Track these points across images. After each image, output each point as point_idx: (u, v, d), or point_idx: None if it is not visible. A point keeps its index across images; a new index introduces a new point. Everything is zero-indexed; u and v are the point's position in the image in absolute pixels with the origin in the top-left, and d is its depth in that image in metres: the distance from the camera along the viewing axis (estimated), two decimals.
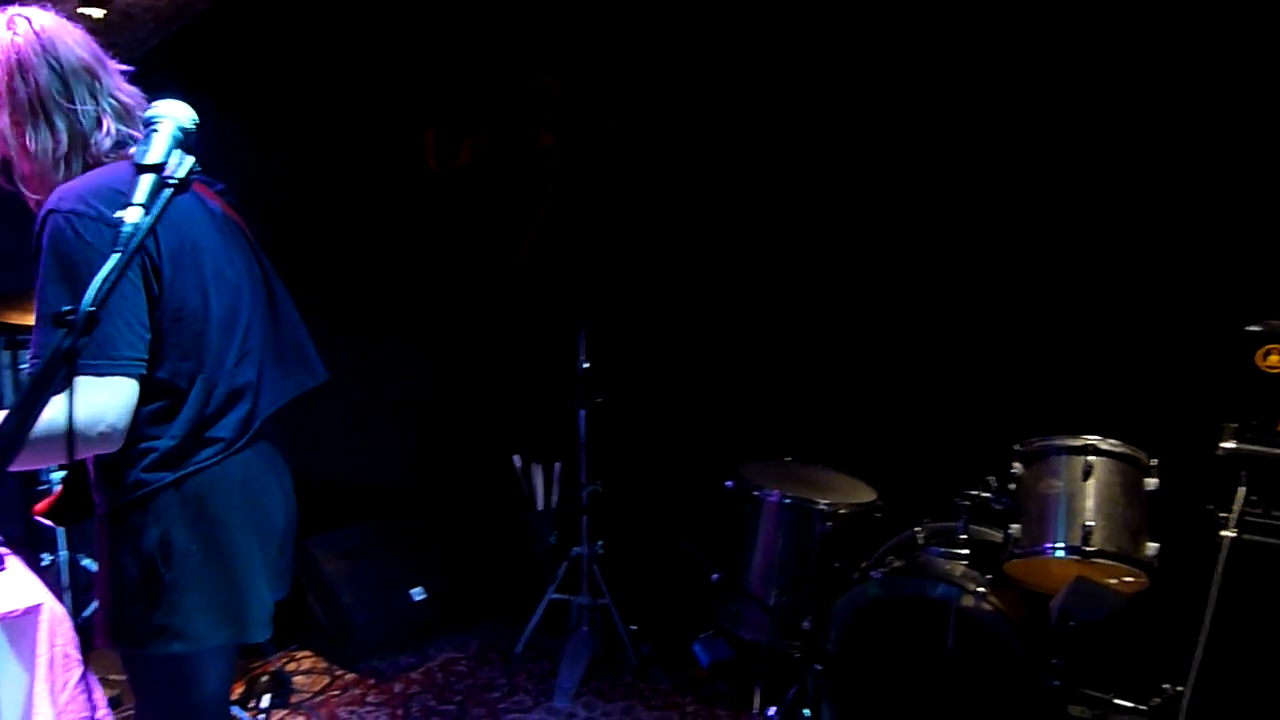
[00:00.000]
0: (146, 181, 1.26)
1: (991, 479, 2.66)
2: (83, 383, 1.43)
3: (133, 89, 1.69)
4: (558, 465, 4.29)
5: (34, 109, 1.56)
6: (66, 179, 1.57)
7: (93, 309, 1.12)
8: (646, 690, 3.52)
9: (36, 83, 1.55)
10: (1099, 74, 2.89)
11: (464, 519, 4.47)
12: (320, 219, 5.05)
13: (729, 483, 3.18)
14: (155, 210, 1.23)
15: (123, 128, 1.63)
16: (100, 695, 2.39)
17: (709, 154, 3.84)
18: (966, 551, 2.65)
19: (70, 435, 1.38)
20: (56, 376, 1.09)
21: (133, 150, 1.61)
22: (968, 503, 2.67)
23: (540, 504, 4.31)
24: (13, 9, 1.62)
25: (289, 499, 1.85)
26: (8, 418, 1.07)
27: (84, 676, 2.35)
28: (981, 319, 3.18)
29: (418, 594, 4.02)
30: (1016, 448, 2.59)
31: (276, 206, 4.94)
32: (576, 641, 3.75)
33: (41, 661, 2.25)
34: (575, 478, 3.88)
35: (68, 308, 1.12)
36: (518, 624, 3.90)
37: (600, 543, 3.83)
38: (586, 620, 3.82)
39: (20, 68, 1.55)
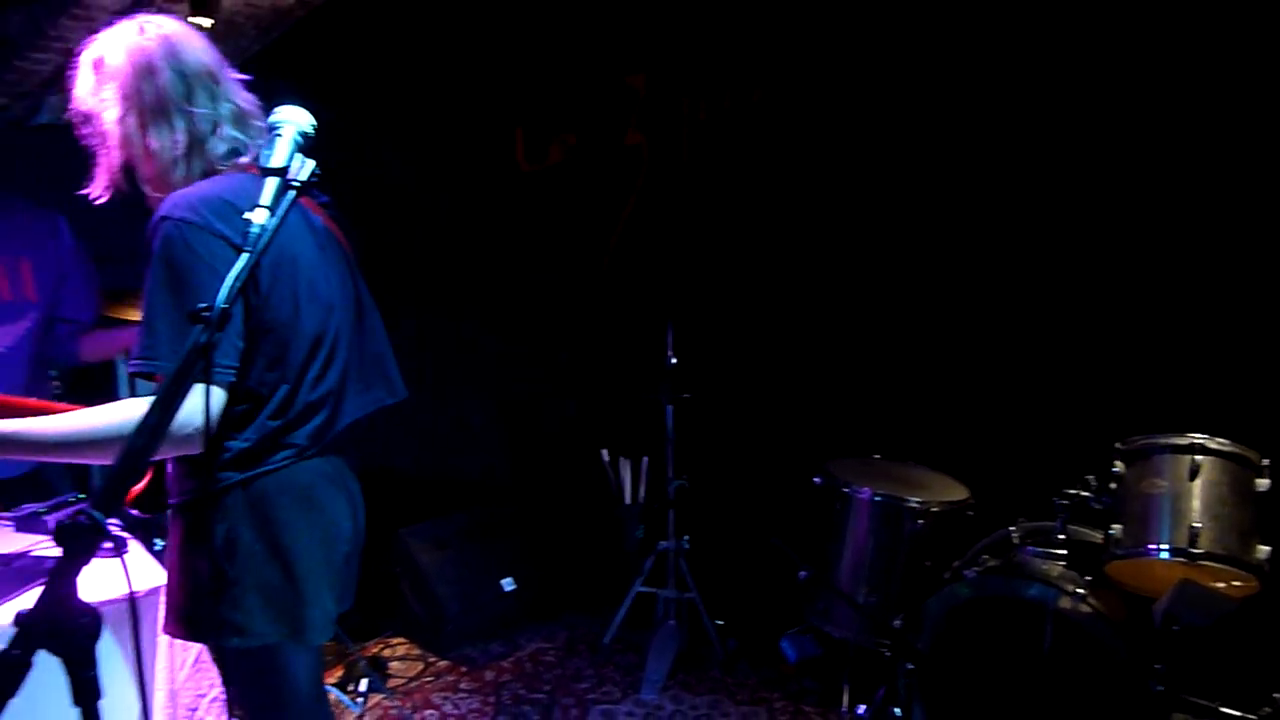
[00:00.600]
0: (271, 184, 1.32)
1: (1091, 478, 2.59)
2: None
3: (249, 96, 1.76)
4: (645, 460, 4.33)
5: (158, 110, 1.63)
6: (185, 180, 1.64)
7: (226, 306, 1.18)
8: (734, 685, 3.53)
9: (162, 85, 1.63)
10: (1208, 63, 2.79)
11: (553, 512, 4.54)
12: (416, 219, 5.19)
13: (817, 479, 3.17)
14: (280, 212, 1.29)
15: (238, 134, 1.70)
16: (215, 674, 2.50)
17: (794, 150, 3.83)
18: (1065, 552, 2.60)
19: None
20: (194, 369, 1.15)
21: (244, 159, 1.69)
22: (1066, 502, 2.61)
23: (628, 498, 4.36)
24: (143, 16, 1.71)
25: (358, 512, 1.86)
26: (149, 411, 1.13)
27: (201, 655, 2.46)
28: (1082, 310, 3.10)
29: (508, 584, 4.10)
30: (1118, 446, 2.52)
31: (373, 208, 5.08)
32: (664, 635, 3.78)
33: (162, 640, 2.38)
34: (662, 473, 3.91)
35: (203, 305, 1.18)
36: (605, 616, 3.95)
37: (687, 537, 3.85)
38: (673, 614, 3.85)
39: (148, 70, 1.63)
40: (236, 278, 1.21)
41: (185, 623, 1.68)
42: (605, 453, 4.40)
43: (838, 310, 3.77)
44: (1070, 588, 2.42)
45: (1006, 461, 3.16)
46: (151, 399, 1.42)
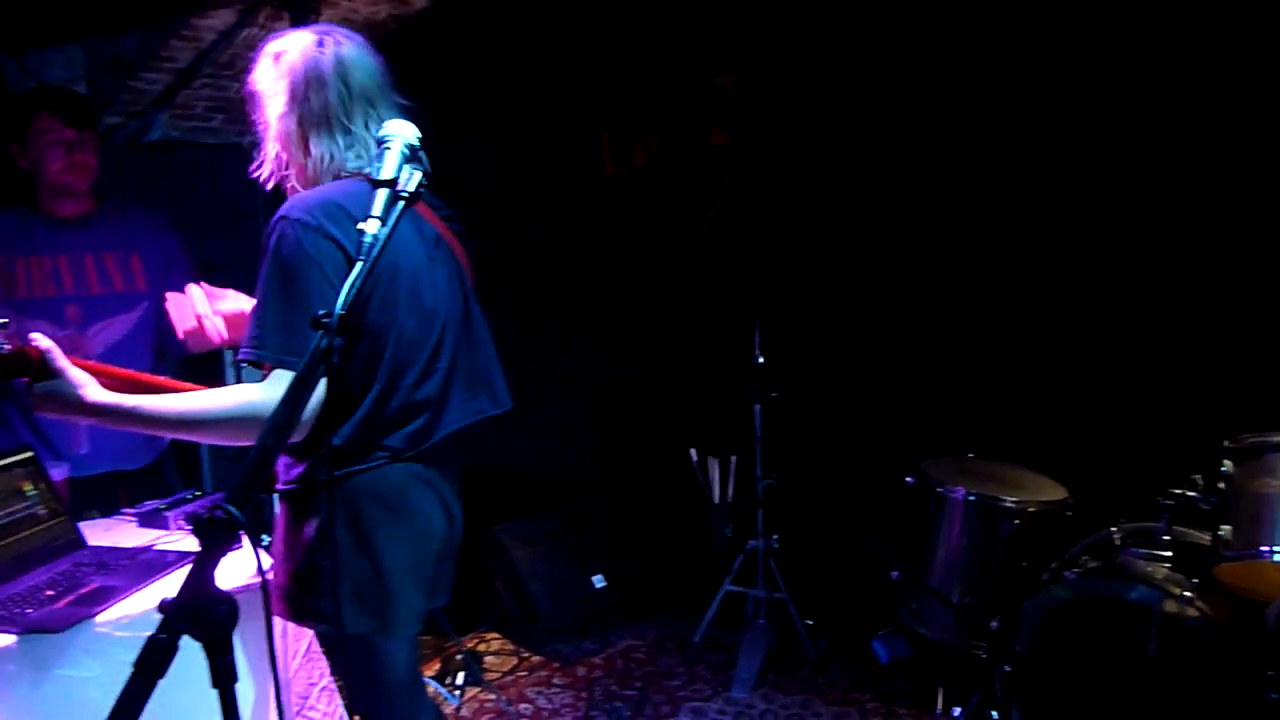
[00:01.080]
0: (382, 195, 1.39)
1: (1197, 477, 2.51)
2: (281, 375, 1.57)
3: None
4: (734, 459, 4.34)
5: (320, 119, 1.72)
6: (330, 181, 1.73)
7: (344, 313, 1.25)
8: (825, 685, 3.52)
9: (327, 98, 1.72)
10: None
11: (642, 510, 4.59)
12: (504, 224, 5.29)
13: (910, 479, 3.15)
14: (391, 222, 1.36)
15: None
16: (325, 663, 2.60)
17: (883, 147, 3.80)
18: (1170, 554, 2.53)
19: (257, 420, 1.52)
20: (318, 370, 1.23)
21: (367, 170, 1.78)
22: (1170, 502, 2.53)
23: (716, 497, 4.37)
24: (326, 29, 1.80)
25: (454, 520, 1.90)
26: (278, 410, 1.21)
27: (311, 646, 2.57)
28: (1187, 302, 3.00)
29: (599, 581, 4.16)
30: (1226, 444, 2.44)
31: (461, 212, 5.19)
32: (753, 634, 3.79)
33: (275, 630, 2.49)
34: (751, 472, 3.91)
35: (323, 311, 1.25)
36: (694, 614, 3.96)
37: (776, 536, 3.85)
38: (763, 613, 3.85)
39: (318, 81, 1.72)
40: (353, 285, 1.28)
41: (285, 601, 1.77)
42: (694, 452, 4.43)
43: (929, 307, 3.72)
44: (1176, 590, 2.36)
45: (1107, 461, 3.09)
46: (266, 386, 1.54)
